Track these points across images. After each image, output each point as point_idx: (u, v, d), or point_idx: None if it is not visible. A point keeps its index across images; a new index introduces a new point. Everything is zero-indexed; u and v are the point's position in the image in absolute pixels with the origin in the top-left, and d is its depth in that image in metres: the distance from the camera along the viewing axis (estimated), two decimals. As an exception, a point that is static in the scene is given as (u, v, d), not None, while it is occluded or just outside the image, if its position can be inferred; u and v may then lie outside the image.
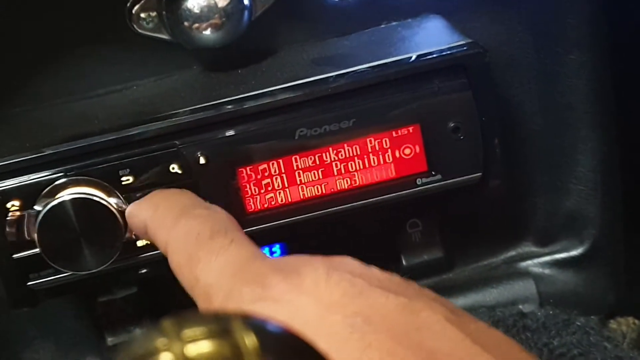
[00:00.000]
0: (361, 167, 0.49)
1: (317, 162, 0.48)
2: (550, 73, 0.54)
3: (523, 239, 0.60)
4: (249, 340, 0.18)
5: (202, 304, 0.36)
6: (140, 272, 0.51)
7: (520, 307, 0.57)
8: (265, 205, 0.49)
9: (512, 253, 0.61)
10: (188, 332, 0.18)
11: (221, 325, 0.18)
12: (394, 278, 0.35)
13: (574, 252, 0.59)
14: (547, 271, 0.59)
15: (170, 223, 0.41)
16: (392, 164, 0.49)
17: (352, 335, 0.30)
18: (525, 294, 0.58)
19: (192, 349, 0.18)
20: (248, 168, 0.48)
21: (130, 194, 0.47)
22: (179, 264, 0.39)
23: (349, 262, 0.35)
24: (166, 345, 0.18)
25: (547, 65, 0.54)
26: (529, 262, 0.60)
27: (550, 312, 0.56)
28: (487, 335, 0.32)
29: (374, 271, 0.35)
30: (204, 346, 0.18)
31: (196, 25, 0.49)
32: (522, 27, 0.54)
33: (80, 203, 0.46)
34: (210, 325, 0.18)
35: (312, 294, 0.33)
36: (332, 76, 0.48)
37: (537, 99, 0.56)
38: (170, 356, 0.18)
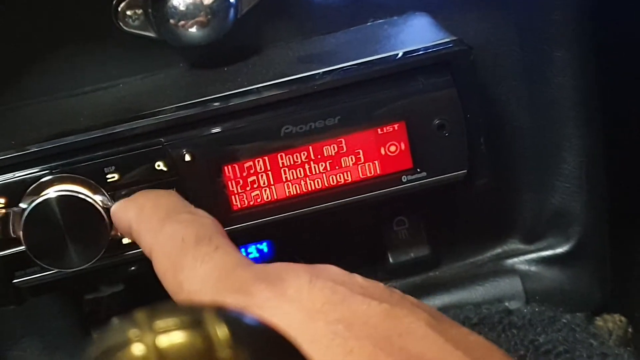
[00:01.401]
0: (347, 164, 0.49)
1: (303, 160, 0.48)
2: (535, 70, 0.54)
3: (509, 237, 0.61)
4: (221, 332, 0.18)
5: None
6: (126, 269, 0.51)
7: (507, 304, 0.57)
8: (251, 203, 0.49)
9: (498, 250, 0.61)
10: (160, 323, 0.18)
11: (193, 316, 0.19)
12: (376, 285, 0.35)
13: (559, 250, 0.59)
14: (533, 268, 0.60)
15: (156, 226, 0.41)
16: (378, 161, 0.49)
17: (334, 342, 0.31)
18: (512, 291, 0.58)
19: (164, 339, 0.18)
20: (234, 165, 0.48)
21: (115, 192, 0.47)
22: (163, 269, 0.39)
23: (331, 270, 0.35)
24: (138, 336, 0.18)
25: (533, 63, 0.54)
26: (515, 259, 0.60)
27: (537, 309, 0.56)
28: (469, 340, 0.33)
29: (357, 278, 0.35)
30: (176, 337, 0.18)
31: (182, 22, 0.49)
32: (507, 25, 0.54)
33: (65, 200, 0.46)
34: (183, 316, 0.19)
35: (295, 302, 0.33)
36: (317, 73, 0.48)
37: (523, 96, 0.56)
38: (142, 347, 0.18)
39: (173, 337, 0.18)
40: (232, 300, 0.34)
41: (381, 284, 0.35)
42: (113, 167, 0.47)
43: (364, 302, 0.33)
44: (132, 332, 0.18)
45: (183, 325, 0.18)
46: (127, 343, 0.18)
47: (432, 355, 0.31)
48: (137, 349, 0.18)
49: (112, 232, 0.47)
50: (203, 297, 0.35)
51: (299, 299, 0.33)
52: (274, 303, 0.33)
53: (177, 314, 0.19)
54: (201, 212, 0.42)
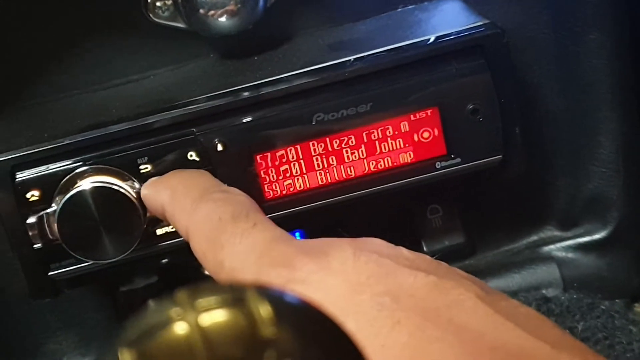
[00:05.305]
0: (379, 151, 0.48)
1: (335, 147, 0.48)
2: (569, 53, 0.54)
3: (545, 223, 0.60)
4: (264, 310, 0.18)
5: None
6: (160, 261, 0.51)
7: (544, 291, 0.57)
8: (284, 192, 0.49)
9: (535, 237, 0.60)
10: (202, 302, 0.18)
11: (235, 294, 0.18)
12: (422, 257, 0.34)
13: (597, 236, 0.58)
14: (570, 255, 0.59)
15: (190, 207, 0.41)
16: (411, 148, 0.49)
17: (380, 314, 0.30)
18: (549, 279, 0.58)
19: (206, 318, 0.18)
20: (266, 154, 0.48)
21: (148, 182, 0.47)
22: (202, 249, 0.38)
23: (376, 243, 0.35)
24: (180, 315, 0.18)
25: (567, 46, 0.53)
26: (552, 246, 0.59)
27: (574, 296, 0.55)
28: (519, 312, 0.32)
29: (402, 251, 0.35)
30: (218, 315, 0.18)
31: (212, 12, 0.49)
32: (540, 7, 0.53)
33: (99, 192, 0.46)
34: (224, 294, 0.18)
35: (340, 275, 0.32)
36: (348, 60, 0.48)
37: (557, 80, 0.55)
38: (185, 325, 0.18)
39: (215, 316, 0.18)
40: (275, 274, 0.33)
41: (427, 256, 0.34)
42: (146, 158, 0.47)
43: (410, 274, 0.32)
44: (174, 311, 0.18)
45: (225, 303, 0.18)
46: (169, 321, 0.18)
47: (482, 327, 0.30)
48: (180, 327, 0.18)
49: (148, 216, 0.47)
50: (245, 274, 0.35)
51: (343, 271, 0.32)
52: (319, 277, 0.32)
53: (218, 293, 0.18)
54: (235, 190, 0.42)
